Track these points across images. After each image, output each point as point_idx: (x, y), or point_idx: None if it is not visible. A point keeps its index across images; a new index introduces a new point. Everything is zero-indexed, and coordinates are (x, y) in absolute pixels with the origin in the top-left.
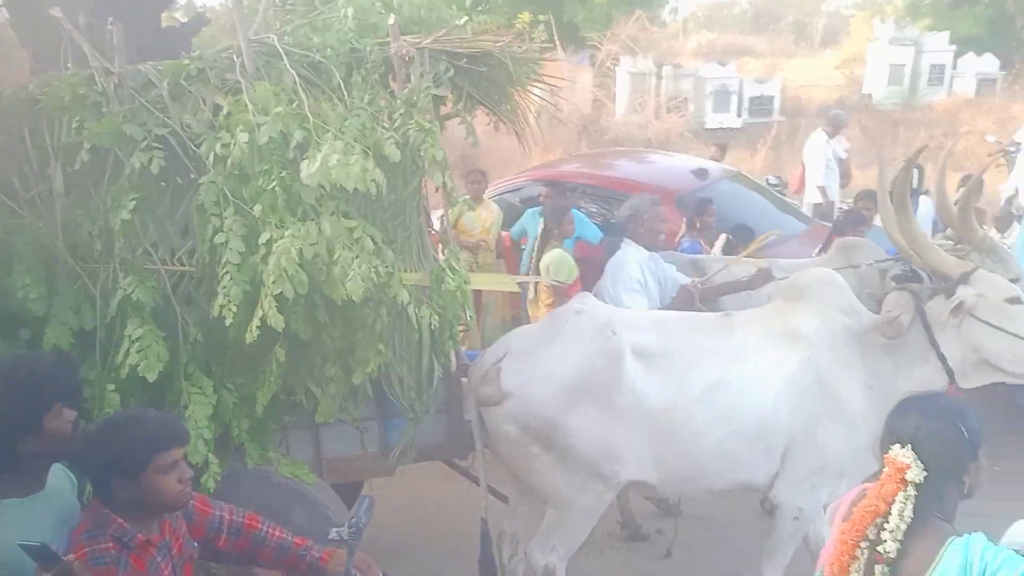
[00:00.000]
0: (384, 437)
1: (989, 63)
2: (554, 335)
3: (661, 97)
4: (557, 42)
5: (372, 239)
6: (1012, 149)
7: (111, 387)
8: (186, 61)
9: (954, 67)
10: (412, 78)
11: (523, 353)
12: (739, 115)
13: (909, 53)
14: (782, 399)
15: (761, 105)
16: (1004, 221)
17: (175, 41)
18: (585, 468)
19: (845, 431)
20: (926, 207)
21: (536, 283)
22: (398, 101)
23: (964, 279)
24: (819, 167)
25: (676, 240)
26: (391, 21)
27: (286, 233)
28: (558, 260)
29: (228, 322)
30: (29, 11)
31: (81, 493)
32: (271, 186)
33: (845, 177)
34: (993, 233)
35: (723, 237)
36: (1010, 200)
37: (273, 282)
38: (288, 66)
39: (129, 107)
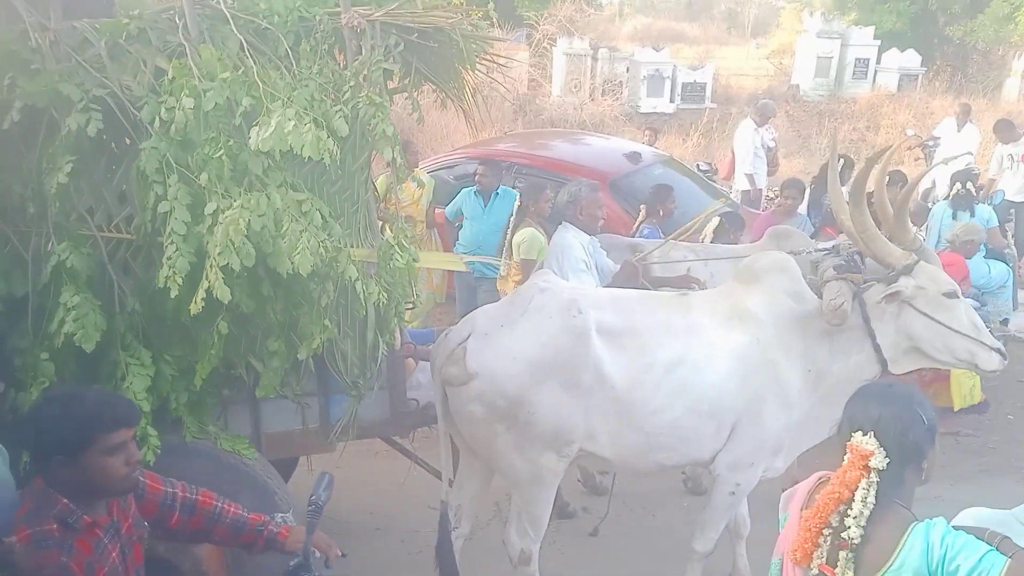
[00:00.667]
0: (326, 413)
1: (911, 59)
2: (519, 314)
3: (596, 79)
4: (494, 20)
5: (320, 213)
6: (931, 143)
7: (45, 356)
8: (125, 20)
9: (878, 61)
10: (363, 50)
11: (488, 332)
12: (672, 100)
13: (835, 46)
14: (732, 377)
15: (694, 92)
16: (920, 214)
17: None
18: (542, 443)
19: (784, 410)
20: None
21: (507, 260)
22: (347, 73)
23: (907, 270)
24: (747, 155)
25: (636, 226)
26: None
27: (234, 204)
28: (530, 239)
29: (173, 294)
30: None
31: (16, 465)
32: (218, 154)
33: (772, 165)
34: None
35: (716, 220)
36: (927, 193)
37: (219, 253)
38: (234, 30)
39: (65, 66)
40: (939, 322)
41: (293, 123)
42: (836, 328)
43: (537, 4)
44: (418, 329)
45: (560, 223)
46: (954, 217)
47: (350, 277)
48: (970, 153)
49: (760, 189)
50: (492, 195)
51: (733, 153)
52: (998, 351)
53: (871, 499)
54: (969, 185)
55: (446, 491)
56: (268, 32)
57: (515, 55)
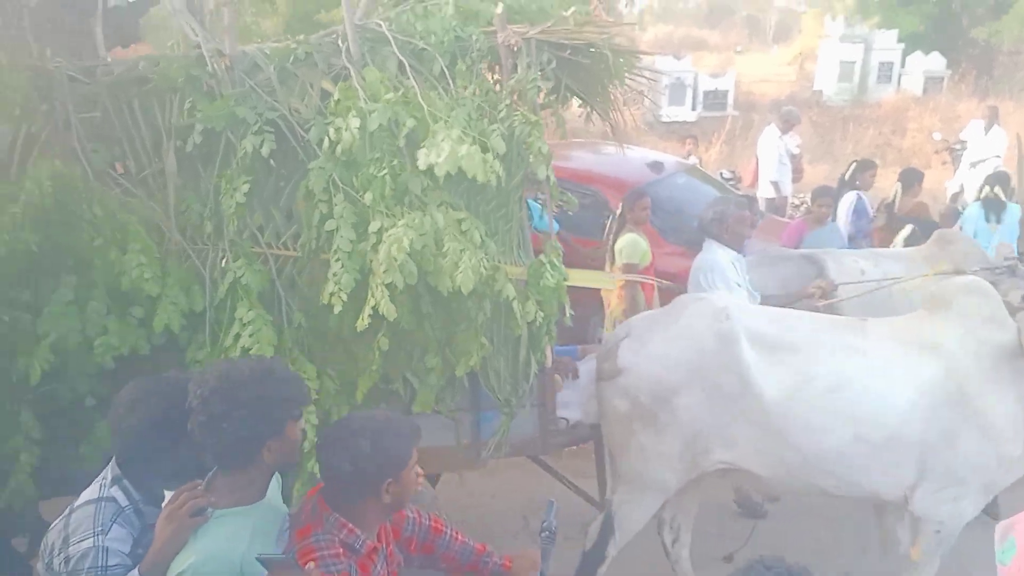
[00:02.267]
0: (476, 430)
1: (936, 61)
2: (673, 318)
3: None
4: None
5: (478, 231)
6: (958, 147)
7: None
8: (293, 45)
9: (902, 65)
10: (519, 68)
11: (642, 333)
12: (694, 109)
13: (859, 50)
14: (916, 410)
15: (715, 99)
16: (949, 217)
17: (120, 22)
18: (677, 448)
19: (991, 444)
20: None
21: (611, 265)
22: (503, 92)
23: None
24: (772, 162)
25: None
26: (498, 10)
27: (399, 223)
28: (631, 244)
29: (337, 309)
30: None
31: (287, 493)
32: (382, 174)
33: (797, 172)
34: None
35: (908, 228)
36: (955, 197)
37: (384, 271)
38: (396, 51)
39: (239, 90)
40: None
41: (466, 145)
42: None
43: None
44: (561, 346)
45: (704, 240)
46: (987, 220)
47: (508, 296)
48: (998, 156)
49: (785, 196)
50: None
51: (757, 160)
52: None
53: None
54: (998, 189)
55: (610, 493)
56: (424, 53)
57: None
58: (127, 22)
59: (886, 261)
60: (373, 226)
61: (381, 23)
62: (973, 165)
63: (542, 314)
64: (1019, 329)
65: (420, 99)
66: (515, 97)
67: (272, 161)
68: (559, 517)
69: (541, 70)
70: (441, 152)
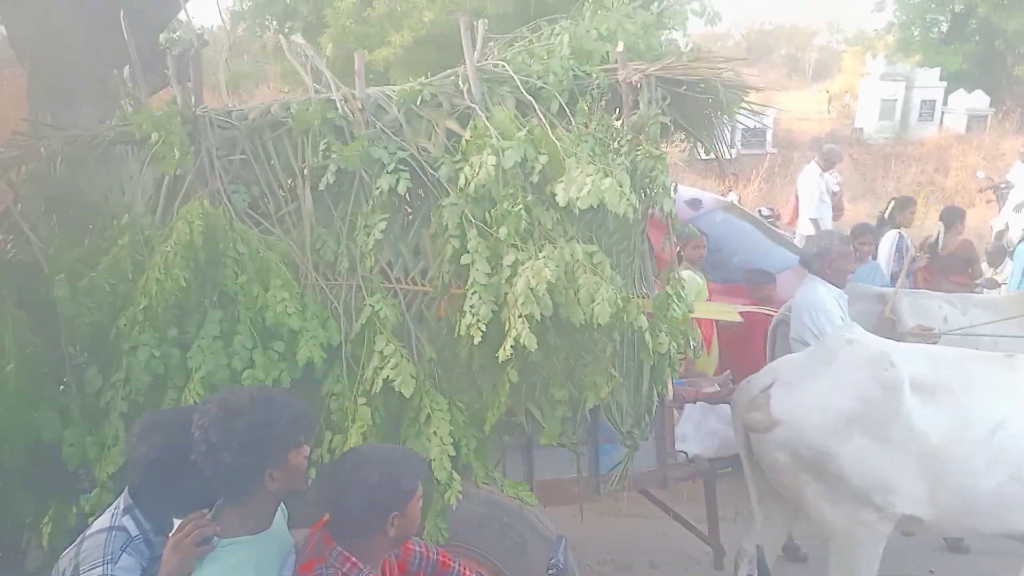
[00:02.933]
0: (594, 463)
1: (979, 99)
2: (824, 364)
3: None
4: None
5: (608, 264)
6: (1003, 186)
7: (362, 401)
8: (417, 87)
9: (944, 103)
10: (641, 105)
11: (792, 381)
12: (733, 146)
13: (900, 88)
14: None
15: (755, 137)
16: (995, 256)
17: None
18: (857, 499)
19: None
20: None
21: None
22: (624, 127)
23: None
24: (812, 200)
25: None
26: (619, 49)
27: (540, 255)
28: (688, 280)
29: (476, 340)
30: (29, 26)
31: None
32: (517, 209)
33: (838, 210)
34: (986, 267)
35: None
36: (1000, 235)
37: (522, 303)
38: (520, 89)
39: (371, 131)
40: None
41: (609, 179)
42: None
43: None
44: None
45: (806, 276)
46: None
47: (640, 327)
48: None
49: None
50: None
51: (797, 198)
52: None
53: None
54: None
55: (754, 537)
56: (542, 91)
57: None
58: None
59: (974, 308)
60: (507, 259)
61: (499, 64)
62: (1018, 209)
63: (675, 345)
64: None
65: (551, 136)
66: (639, 133)
67: (401, 199)
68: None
69: (659, 106)
70: (582, 187)
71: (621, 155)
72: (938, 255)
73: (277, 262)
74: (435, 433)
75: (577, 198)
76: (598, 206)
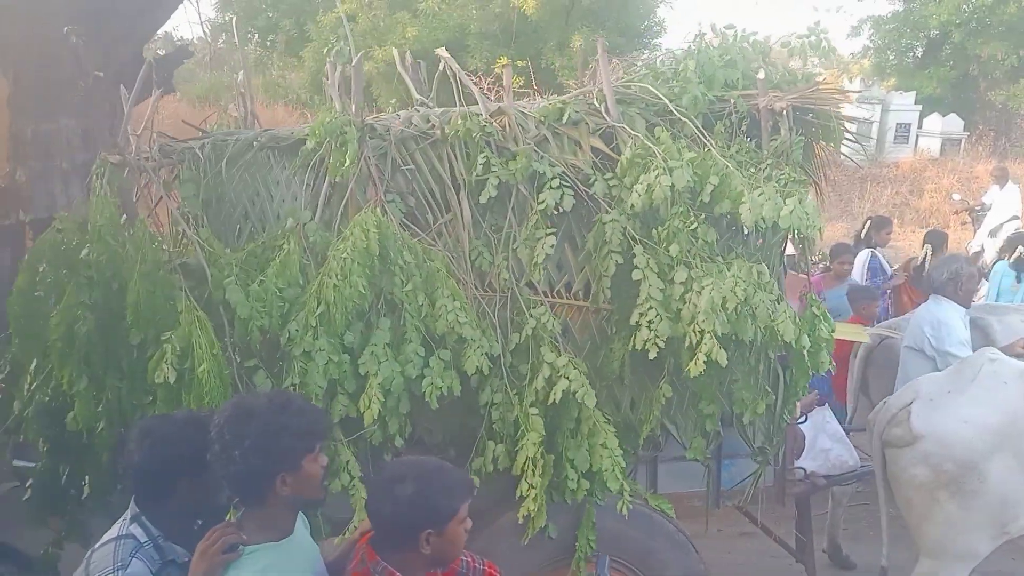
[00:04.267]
0: (716, 477)
1: (953, 123)
2: (968, 380)
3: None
4: (535, 86)
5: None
6: (978, 209)
7: (535, 411)
8: (559, 105)
9: (919, 126)
10: (782, 131)
11: (934, 397)
12: None
13: (876, 112)
14: None
15: None
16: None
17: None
18: (987, 515)
19: None
20: None
21: None
22: (765, 152)
23: None
24: None
25: None
26: (760, 75)
27: (729, 272)
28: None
29: (651, 355)
30: (12, 37)
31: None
32: (691, 227)
33: None
34: None
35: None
36: (976, 256)
37: (703, 320)
38: (672, 110)
39: (527, 147)
40: None
41: (792, 202)
42: None
43: (577, 72)
44: None
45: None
46: (1019, 280)
47: (803, 345)
48: (1016, 217)
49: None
50: None
51: None
52: None
53: None
54: (1021, 249)
55: (886, 556)
56: (673, 114)
57: None
58: (163, 73)
59: None
60: (680, 276)
61: (630, 84)
62: (992, 234)
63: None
64: None
65: (720, 158)
66: (781, 157)
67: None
68: None
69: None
70: (771, 208)
71: (762, 180)
72: (923, 276)
73: (443, 271)
74: (603, 445)
75: (763, 218)
76: (773, 226)
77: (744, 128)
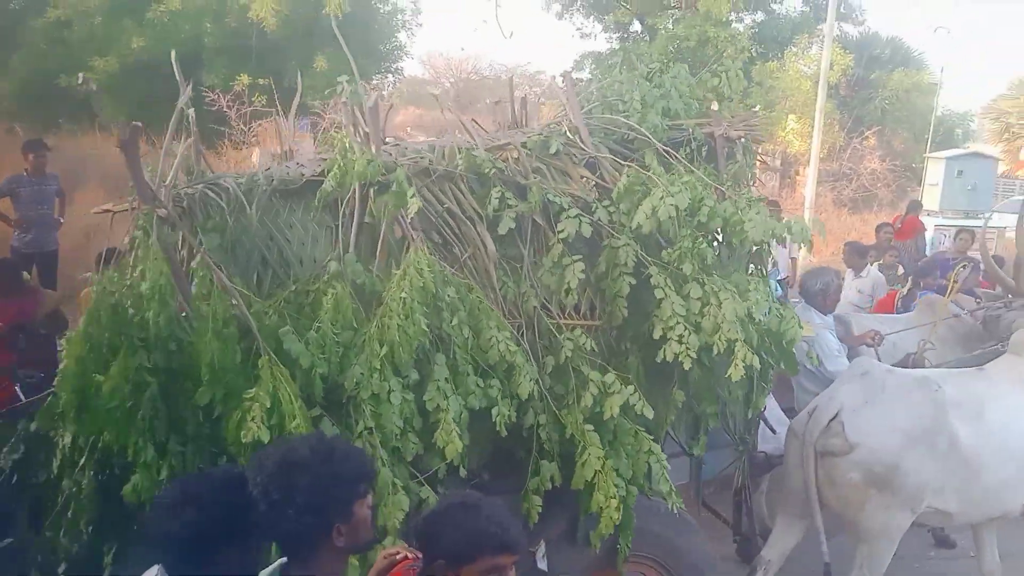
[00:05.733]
0: (698, 469)
1: None
2: (878, 391)
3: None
4: (278, 106)
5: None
6: None
7: (590, 427)
8: (542, 137)
9: None
10: (738, 156)
11: (856, 408)
12: None
13: None
14: None
15: None
16: None
17: None
18: (904, 502)
19: None
20: None
21: None
22: (722, 175)
23: None
24: None
25: None
26: (714, 106)
27: (751, 287)
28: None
29: (687, 367)
30: None
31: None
32: (701, 246)
33: None
34: None
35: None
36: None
37: (728, 330)
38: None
39: (536, 179)
40: None
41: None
42: None
43: (321, 92)
44: None
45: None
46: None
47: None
48: None
49: None
50: None
51: None
52: None
53: None
54: None
55: (825, 552)
56: (635, 142)
57: (300, 144)
58: None
59: (890, 322)
60: (695, 292)
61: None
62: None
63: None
64: None
65: (709, 180)
66: (737, 180)
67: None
68: None
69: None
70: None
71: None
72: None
73: (486, 303)
74: (649, 451)
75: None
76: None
77: (704, 154)
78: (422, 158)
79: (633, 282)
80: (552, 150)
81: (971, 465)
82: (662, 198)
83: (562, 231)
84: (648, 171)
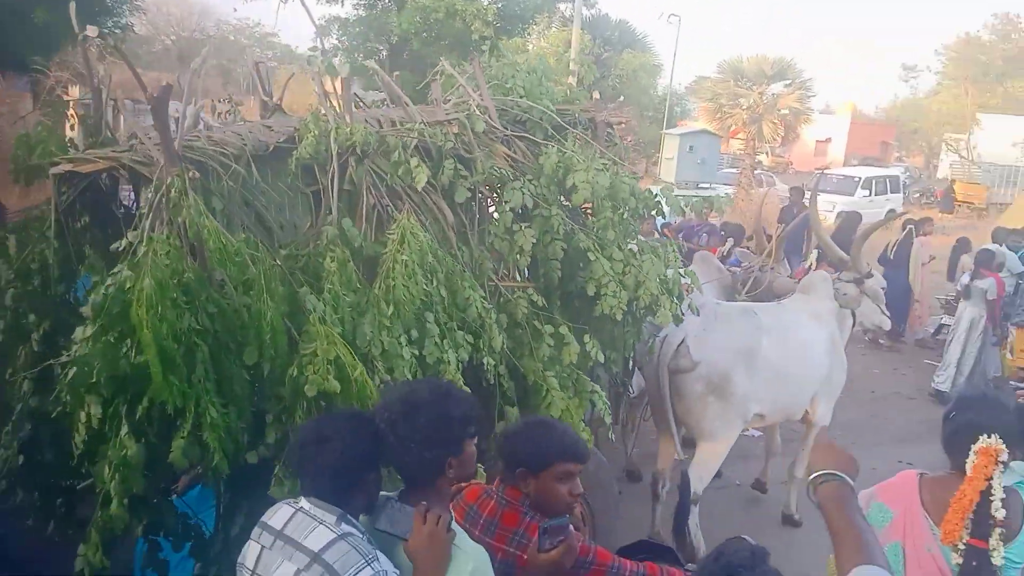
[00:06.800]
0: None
1: None
2: (712, 319)
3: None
4: None
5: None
6: None
7: (550, 374)
8: (473, 117)
9: None
10: (615, 140)
11: (697, 335)
12: None
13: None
14: (826, 354)
15: None
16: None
17: None
18: (735, 409)
19: (841, 370)
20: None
21: None
22: (609, 153)
23: (870, 275)
24: None
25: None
26: (596, 95)
27: (645, 252)
28: None
29: (618, 318)
30: None
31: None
32: (623, 215)
33: None
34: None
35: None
36: None
37: (654, 286)
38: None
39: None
40: (877, 304)
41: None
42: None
43: (42, 49)
44: None
45: None
46: None
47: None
48: None
49: None
50: None
51: None
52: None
53: (1001, 484)
54: None
55: (679, 450)
56: (527, 123)
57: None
58: None
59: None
60: (618, 254)
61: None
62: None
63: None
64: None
65: (615, 159)
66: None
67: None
68: None
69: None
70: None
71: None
72: None
73: (460, 267)
74: (593, 391)
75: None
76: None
77: (590, 135)
78: (384, 132)
79: (565, 247)
80: (480, 128)
81: (779, 376)
82: (592, 174)
83: (508, 201)
84: (560, 150)
